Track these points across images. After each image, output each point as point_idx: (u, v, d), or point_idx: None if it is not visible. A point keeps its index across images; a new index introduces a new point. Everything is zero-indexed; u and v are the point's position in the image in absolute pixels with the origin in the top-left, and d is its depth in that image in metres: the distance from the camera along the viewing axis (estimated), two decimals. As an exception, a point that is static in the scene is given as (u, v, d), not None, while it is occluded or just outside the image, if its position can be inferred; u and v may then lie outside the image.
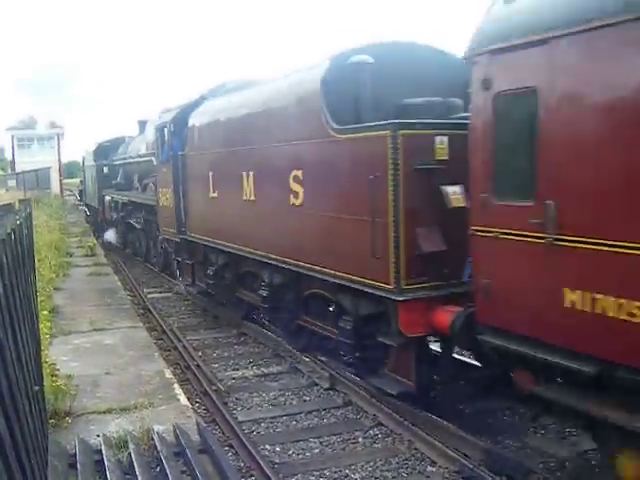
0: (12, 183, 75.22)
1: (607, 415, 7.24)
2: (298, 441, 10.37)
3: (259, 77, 16.58)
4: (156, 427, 9.39)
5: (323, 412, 11.55)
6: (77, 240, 35.69)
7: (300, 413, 11.52)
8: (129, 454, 8.50)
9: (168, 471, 8.07)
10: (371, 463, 9.54)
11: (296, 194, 12.45)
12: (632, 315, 6.67)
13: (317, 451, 10.08)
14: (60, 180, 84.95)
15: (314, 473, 9.27)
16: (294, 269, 12.93)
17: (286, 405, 11.99)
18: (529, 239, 7.84)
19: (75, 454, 8.53)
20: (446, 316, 9.66)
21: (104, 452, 8.55)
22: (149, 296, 22.31)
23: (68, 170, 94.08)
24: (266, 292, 14.65)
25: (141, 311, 19.55)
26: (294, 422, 11.20)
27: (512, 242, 8.13)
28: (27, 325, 6.54)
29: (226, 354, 15.28)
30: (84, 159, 45.78)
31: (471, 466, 8.91)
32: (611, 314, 6.90)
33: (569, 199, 7.32)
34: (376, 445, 10.25)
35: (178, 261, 21.40)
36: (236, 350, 15.58)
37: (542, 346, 7.86)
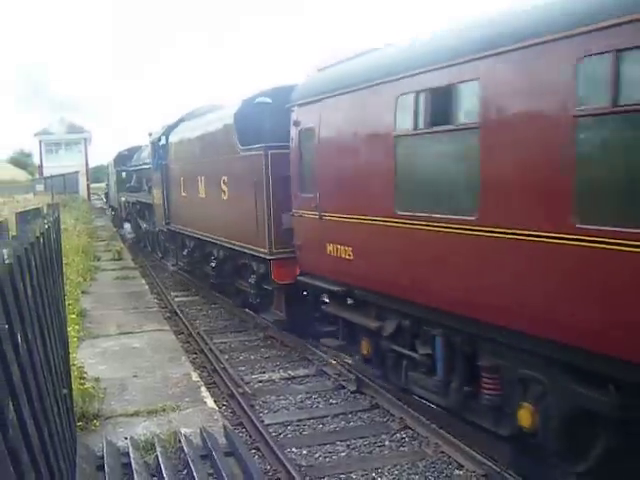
0: (40, 187, 75.76)
1: (353, 317, 12.49)
2: (325, 444, 10.37)
3: (222, 102, 22.34)
4: (183, 430, 9.42)
5: (350, 415, 11.54)
6: (104, 244, 35.95)
7: (327, 416, 11.51)
8: (156, 457, 8.53)
9: (195, 474, 8.09)
10: (398, 466, 9.52)
11: (224, 192, 18.38)
12: (349, 255, 11.88)
13: (344, 454, 10.07)
14: (87, 184, 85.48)
15: (340, 476, 9.27)
16: (228, 246, 18.62)
17: (313, 408, 11.99)
18: (312, 216, 13.14)
19: (103, 457, 8.57)
20: (295, 270, 14.55)
21: (131, 455, 8.58)
22: (176, 299, 22.43)
23: (95, 174, 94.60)
24: (214, 264, 20.57)
25: (168, 314, 19.63)
26: (321, 425, 11.20)
27: (306, 218, 13.47)
28: (55, 328, 6.59)
29: (252, 357, 15.32)
30: (108, 165, 53.50)
31: (498, 470, 8.88)
32: (343, 255, 12.09)
33: (324, 193, 12.68)
34: (403, 448, 10.23)
35: (166, 247, 28.92)
36: (262, 353, 15.61)
37: (322, 279, 13.33)
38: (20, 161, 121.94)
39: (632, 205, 6.73)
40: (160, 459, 8.41)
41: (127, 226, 42.07)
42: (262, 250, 15.75)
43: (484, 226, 8.35)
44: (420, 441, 10.34)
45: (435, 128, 9.40)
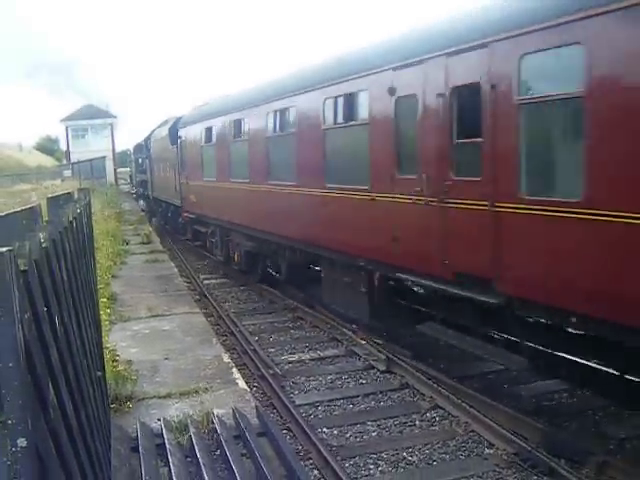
0: (68, 173, 76.28)
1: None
2: (355, 424, 10.44)
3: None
4: (216, 411, 9.49)
5: (380, 395, 11.60)
6: (133, 228, 36.18)
7: (357, 396, 11.58)
8: (190, 437, 8.60)
9: (228, 454, 8.16)
10: (428, 446, 9.57)
11: (165, 172, 34.98)
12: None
13: (374, 434, 10.13)
14: (114, 169, 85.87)
15: (371, 456, 9.33)
16: (164, 200, 35.78)
17: (343, 388, 12.06)
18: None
19: (137, 438, 8.65)
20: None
21: (165, 436, 8.66)
22: (205, 282, 22.60)
23: (121, 158, 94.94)
24: (161, 209, 38.54)
25: (197, 297, 19.77)
26: (351, 405, 11.27)
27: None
28: (89, 311, 6.67)
29: (282, 338, 15.42)
30: (130, 153, 69.05)
31: (529, 448, 8.89)
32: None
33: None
34: (433, 428, 10.27)
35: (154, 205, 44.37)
36: (292, 334, 15.71)
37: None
38: (47, 147, 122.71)
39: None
40: (193, 440, 8.48)
41: (141, 202, 55.48)
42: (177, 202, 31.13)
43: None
44: (451, 420, 10.39)
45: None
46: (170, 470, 7.78)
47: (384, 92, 12.22)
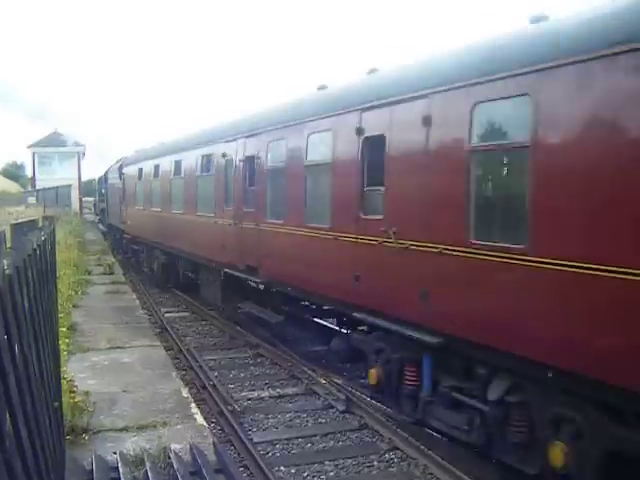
0: (32, 200, 75.51)
1: None
2: (313, 463, 10.38)
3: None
4: (173, 446, 9.38)
5: (339, 435, 11.54)
6: (96, 258, 35.88)
7: (315, 435, 11.51)
8: (145, 472, 8.49)
9: (184, 490, 8.08)
10: (386, 487, 9.53)
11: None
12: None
13: (332, 474, 10.06)
14: (80, 198, 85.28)
15: (329, 496, 9.27)
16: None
17: (302, 427, 12.00)
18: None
19: (92, 471, 8.52)
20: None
21: (120, 469, 8.55)
22: (166, 315, 22.43)
23: (86, 188, 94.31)
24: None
25: (158, 330, 19.59)
26: (309, 444, 11.20)
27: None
28: (49, 340, 6.60)
29: (242, 375, 15.32)
30: (96, 182, 71.13)
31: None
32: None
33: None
34: (391, 469, 10.24)
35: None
36: (252, 371, 15.61)
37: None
38: (12, 173, 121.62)
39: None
40: (149, 474, 8.37)
41: (100, 226, 61.35)
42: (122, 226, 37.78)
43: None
44: (409, 462, 10.35)
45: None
46: (124, 505, 7.68)
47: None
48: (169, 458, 8.96)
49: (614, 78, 7.41)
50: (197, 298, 24.07)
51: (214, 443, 9.82)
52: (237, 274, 18.08)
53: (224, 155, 19.09)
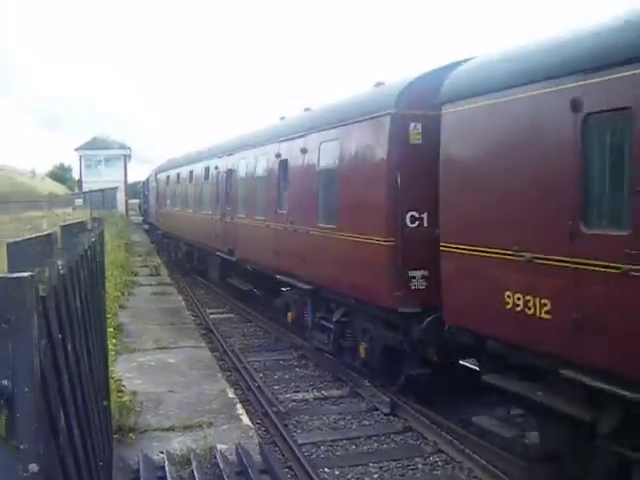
0: (79, 202, 76.42)
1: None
2: (357, 465, 10.38)
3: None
4: (219, 446, 9.45)
5: (383, 437, 11.54)
6: (141, 259, 36.23)
7: (360, 437, 11.51)
8: (191, 471, 8.57)
9: (230, 490, 8.14)
10: (430, 490, 9.50)
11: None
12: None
13: (376, 476, 10.06)
14: (126, 200, 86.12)
15: (373, 498, 9.27)
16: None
17: (346, 429, 12.00)
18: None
19: (138, 469, 8.63)
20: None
21: (167, 469, 8.63)
22: (211, 316, 22.55)
23: (133, 190, 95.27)
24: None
25: (203, 331, 19.71)
26: (354, 446, 11.21)
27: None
28: (98, 340, 6.70)
29: (287, 376, 15.38)
30: (140, 184, 77.20)
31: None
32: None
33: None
34: (435, 472, 10.21)
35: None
36: (297, 373, 15.67)
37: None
38: (60, 175, 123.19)
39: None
40: (195, 474, 8.45)
41: (145, 226, 64.30)
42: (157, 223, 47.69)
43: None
44: (453, 465, 10.31)
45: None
46: (171, 504, 7.75)
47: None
48: (215, 458, 9.03)
49: (363, 131, 13.50)
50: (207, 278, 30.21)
51: (259, 444, 9.87)
52: (222, 255, 24.78)
53: (216, 167, 26.26)
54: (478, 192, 9.96)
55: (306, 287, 15.86)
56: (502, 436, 9.55)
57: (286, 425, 11.93)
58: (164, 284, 27.84)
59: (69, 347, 3.85)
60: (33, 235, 3.82)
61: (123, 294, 23.66)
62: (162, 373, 13.72)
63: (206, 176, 28.07)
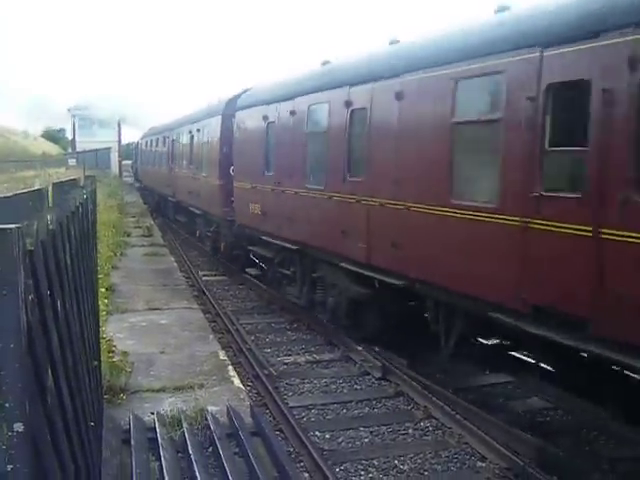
0: (72, 162, 76.05)
1: None
2: (348, 429, 10.37)
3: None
4: (210, 408, 9.43)
5: (374, 402, 11.52)
6: (134, 220, 36.13)
7: (351, 402, 11.50)
8: (182, 433, 8.55)
9: (221, 452, 8.11)
10: (420, 455, 9.50)
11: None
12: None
13: (367, 440, 10.06)
14: (119, 161, 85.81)
15: (363, 462, 9.26)
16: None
17: (337, 393, 11.99)
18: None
19: (129, 430, 8.61)
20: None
21: (158, 430, 8.61)
22: (204, 279, 22.50)
23: (127, 151, 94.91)
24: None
25: (195, 293, 19.67)
26: (345, 410, 11.20)
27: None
28: (89, 299, 6.61)
29: (279, 339, 15.36)
30: (134, 147, 75.28)
31: (522, 464, 8.81)
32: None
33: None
34: (426, 437, 10.20)
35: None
36: (289, 336, 15.64)
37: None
38: (53, 135, 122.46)
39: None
40: (186, 436, 8.43)
41: (136, 184, 65.99)
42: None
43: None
44: (444, 431, 10.31)
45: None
46: (161, 465, 7.74)
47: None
48: (206, 420, 9.01)
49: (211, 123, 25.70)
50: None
51: (251, 406, 9.86)
52: (171, 199, 35.38)
53: (167, 137, 37.51)
54: (244, 156, 20.63)
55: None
56: None
57: (277, 388, 11.91)
58: (157, 245, 27.77)
59: (58, 304, 3.76)
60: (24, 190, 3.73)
61: (115, 254, 23.60)
62: (154, 334, 13.70)
63: (163, 143, 38.69)
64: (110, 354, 10.71)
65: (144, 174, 53.13)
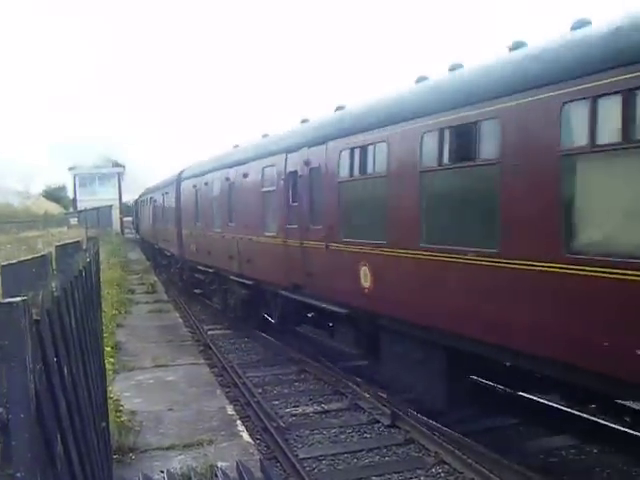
0: (74, 221, 76.48)
1: None
2: (360, 479, 10.29)
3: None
4: (219, 464, 9.38)
5: (384, 450, 11.45)
6: (138, 277, 36.17)
7: (361, 451, 11.43)
8: (193, 490, 8.51)
9: (232, 508, 8.07)
10: (434, 502, 9.44)
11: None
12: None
13: (379, 489, 9.99)
14: (121, 218, 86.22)
15: (376, 512, 9.20)
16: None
17: (347, 442, 11.92)
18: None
19: (140, 490, 8.57)
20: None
21: (168, 488, 8.57)
22: (209, 333, 22.45)
23: (127, 208, 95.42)
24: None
25: (201, 348, 19.60)
26: (355, 460, 11.12)
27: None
28: (95, 360, 6.64)
29: (286, 391, 15.30)
30: (133, 204, 77.51)
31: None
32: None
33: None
34: (438, 484, 10.13)
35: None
36: (296, 387, 15.59)
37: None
38: (54, 195, 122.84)
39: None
40: (197, 493, 8.38)
41: (137, 237, 69.35)
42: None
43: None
44: (456, 476, 10.24)
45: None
46: (173, 524, 7.68)
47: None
48: (216, 476, 8.96)
49: (172, 187, 34.17)
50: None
51: (260, 460, 9.81)
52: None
53: (154, 199, 43.48)
54: (185, 211, 29.99)
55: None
56: None
57: (287, 440, 11.85)
58: (161, 301, 27.79)
59: (65, 370, 3.80)
60: (28, 257, 3.78)
61: (120, 312, 23.62)
62: (161, 391, 13.67)
63: (149, 203, 46.60)
64: (118, 413, 10.70)
65: (141, 229, 60.33)
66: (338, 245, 13.83)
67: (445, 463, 10.68)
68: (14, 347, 2.50)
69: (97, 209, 78.16)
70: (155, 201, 42.14)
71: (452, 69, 11.15)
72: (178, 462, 9.64)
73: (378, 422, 12.67)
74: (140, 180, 70.51)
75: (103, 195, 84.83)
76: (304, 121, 17.66)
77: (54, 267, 4.55)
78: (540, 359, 8.92)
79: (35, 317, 2.90)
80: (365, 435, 12.23)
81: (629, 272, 7.27)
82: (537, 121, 8.52)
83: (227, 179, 22.08)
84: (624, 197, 7.77)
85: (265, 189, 18.30)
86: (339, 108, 15.31)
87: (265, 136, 20.83)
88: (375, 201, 12.43)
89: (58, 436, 3.28)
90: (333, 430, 12.46)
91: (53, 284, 3.73)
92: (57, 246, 5.69)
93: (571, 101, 7.99)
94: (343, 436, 12.19)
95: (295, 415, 13.40)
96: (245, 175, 20.05)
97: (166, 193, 36.03)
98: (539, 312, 8.63)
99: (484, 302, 9.61)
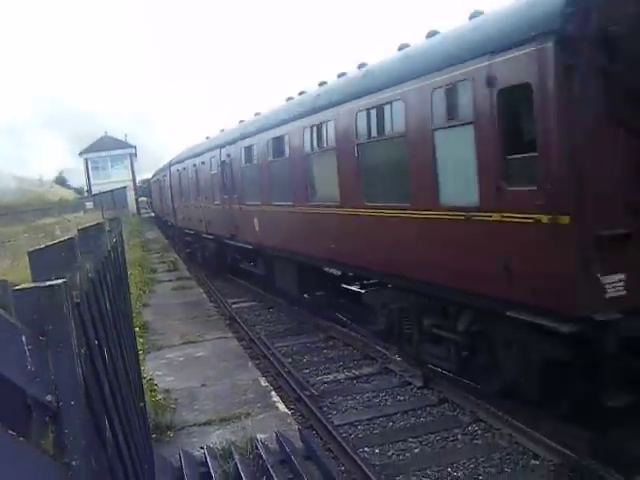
0: (89, 205, 76.57)
1: None
2: (396, 442, 10.32)
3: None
4: (259, 436, 9.36)
5: (419, 411, 11.46)
6: (159, 256, 36.21)
7: (396, 413, 11.44)
8: (235, 465, 8.47)
9: (276, 479, 8.07)
10: (472, 460, 9.44)
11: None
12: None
13: (417, 451, 10.00)
14: (136, 198, 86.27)
15: (416, 473, 9.22)
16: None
17: (381, 406, 11.93)
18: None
19: (181, 467, 8.56)
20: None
21: (210, 464, 8.56)
22: (234, 306, 22.45)
23: (143, 187, 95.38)
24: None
25: (228, 322, 19.62)
26: (391, 423, 11.13)
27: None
28: (128, 342, 6.62)
29: (315, 359, 15.31)
30: (149, 183, 78.57)
31: (576, 458, 8.71)
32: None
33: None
34: (476, 441, 10.13)
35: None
36: (325, 354, 15.58)
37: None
38: (64, 180, 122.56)
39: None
40: (239, 467, 8.35)
41: (152, 215, 74.62)
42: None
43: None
44: (493, 433, 10.24)
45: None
46: (218, 499, 7.68)
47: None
48: (257, 449, 8.93)
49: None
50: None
51: (299, 430, 9.80)
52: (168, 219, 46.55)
53: (165, 175, 45.38)
54: (180, 188, 36.88)
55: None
56: None
57: (321, 408, 11.86)
58: (183, 278, 27.79)
59: (105, 353, 3.76)
60: (55, 241, 3.72)
61: (144, 292, 23.66)
62: (192, 367, 13.69)
63: (157, 184, 54.62)
64: (152, 393, 10.71)
65: (154, 206, 66.61)
66: (241, 206, 22.56)
67: (481, 420, 10.67)
68: (59, 332, 2.43)
69: (112, 191, 78.13)
70: (160, 182, 50.53)
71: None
72: (217, 437, 9.65)
73: (410, 384, 12.65)
74: (157, 157, 71.72)
75: (117, 177, 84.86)
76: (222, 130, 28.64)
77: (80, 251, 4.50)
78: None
79: (76, 300, 2.84)
80: (398, 398, 12.23)
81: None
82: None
83: (194, 165, 31.14)
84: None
85: (212, 172, 26.77)
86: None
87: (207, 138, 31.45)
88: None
89: (105, 420, 3.24)
90: (366, 395, 12.46)
91: (87, 266, 3.68)
92: (79, 229, 5.63)
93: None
94: (377, 400, 12.19)
95: (327, 382, 13.41)
96: (203, 163, 28.69)
97: (164, 176, 45.40)
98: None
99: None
